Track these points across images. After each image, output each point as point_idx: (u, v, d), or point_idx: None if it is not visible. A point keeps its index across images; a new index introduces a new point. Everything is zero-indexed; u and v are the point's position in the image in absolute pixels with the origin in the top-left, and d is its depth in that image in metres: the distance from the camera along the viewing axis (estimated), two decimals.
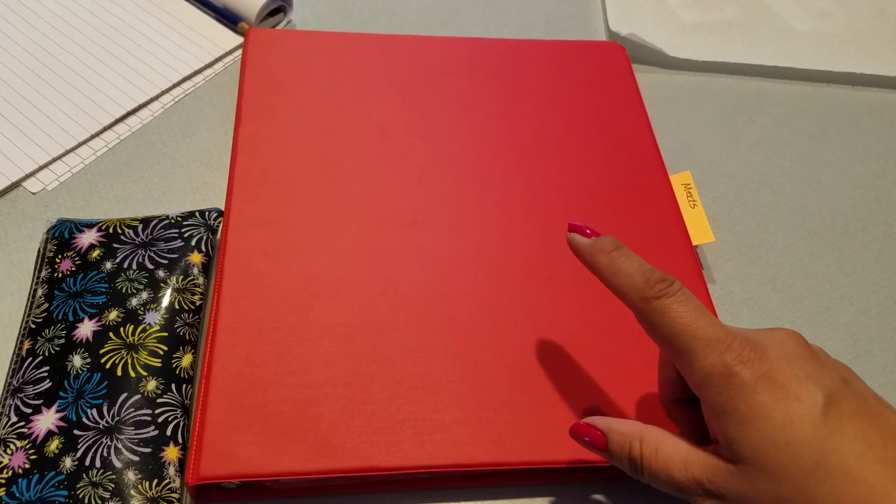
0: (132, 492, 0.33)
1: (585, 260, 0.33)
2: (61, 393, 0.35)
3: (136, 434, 0.34)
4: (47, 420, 0.34)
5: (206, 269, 0.41)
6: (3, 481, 0.33)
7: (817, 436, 0.26)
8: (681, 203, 0.47)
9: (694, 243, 0.45)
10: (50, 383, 0.35)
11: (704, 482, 0.28)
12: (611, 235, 0.33)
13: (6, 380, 0.36)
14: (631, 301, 0.31)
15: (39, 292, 0.39)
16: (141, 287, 0.38)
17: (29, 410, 0.35)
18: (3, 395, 0.36)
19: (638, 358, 0.39)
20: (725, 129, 0.55)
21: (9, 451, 0.34)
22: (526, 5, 0.62)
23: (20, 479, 0.33)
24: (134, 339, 0.37)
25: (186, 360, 0.37)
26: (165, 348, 0.37)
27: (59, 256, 0.40)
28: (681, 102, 0.57)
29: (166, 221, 0.41)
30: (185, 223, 0.41)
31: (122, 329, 0.37)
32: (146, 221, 0.41)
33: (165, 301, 0.38)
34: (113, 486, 0.33)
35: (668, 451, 0.30)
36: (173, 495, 0.34)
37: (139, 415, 0.35)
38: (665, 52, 0.58)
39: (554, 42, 0.55)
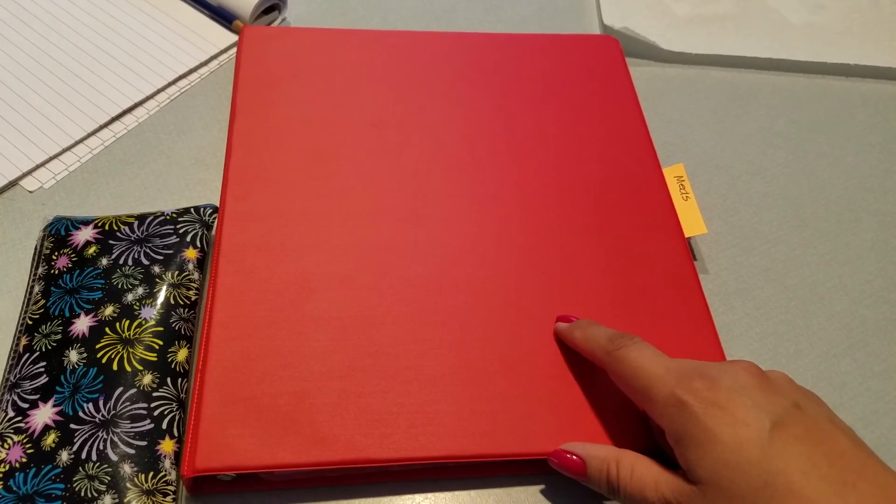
0: (128, 484, 0.33)
1: (566, 338, 0.39)
2: (58, 388, 0.35)
3: (131, 427, 0.34)
4: (44, 414, 0.35)
5: (201, 264, 0.41)
6: (1, 475, 0.33)
7: (765, 457, 0.29)
8: (673, 195, 0.47)
9: (686, 235, 0.45)
10: (46, 378, 0.36)
11: (673, 501, 0.31)
12: (586, 319, 0.39)
13: (3, 375, 0.37)
14: (599, 358, 0.36)
15: (36, 289, 0.39)
16: (136, 283, 0.39)
17: (26, 405, 0.35)
18: (0, 390, 0.36)
19: None
20: (719, 121, 0.55)
21: (6, 446, 0.34)
22: (520, 0, 0.62)
23: (17, 473, 0.33)
24: (130, 334, 0.37)
25: (182, 354, 0.38)
26: (161, 343, 0.37)
27: (56, 253, 0.40)
28: (674, 95, 0.57)
29: (161, 218, 0.42)
30: (180, 219, 0.42)
31: (117, 324, 0.37)
32: (142, 218, 0.41)
33: (161, 296, 0.38)
34: (109, 478, 0.33)
35: (641, 472, 0.32)
36: (169, 488, 0.34)
37: (135, 408, 0.35)
38: (659, 45, 0.58)
39: (548, 36, 0.55)
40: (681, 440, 0.31)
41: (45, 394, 0.35)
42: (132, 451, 0.34)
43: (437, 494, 0.37)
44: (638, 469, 0.32)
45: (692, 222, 0.45)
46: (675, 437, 0.31)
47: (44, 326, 0.37)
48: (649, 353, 0.34)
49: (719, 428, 0.30)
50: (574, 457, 0.35)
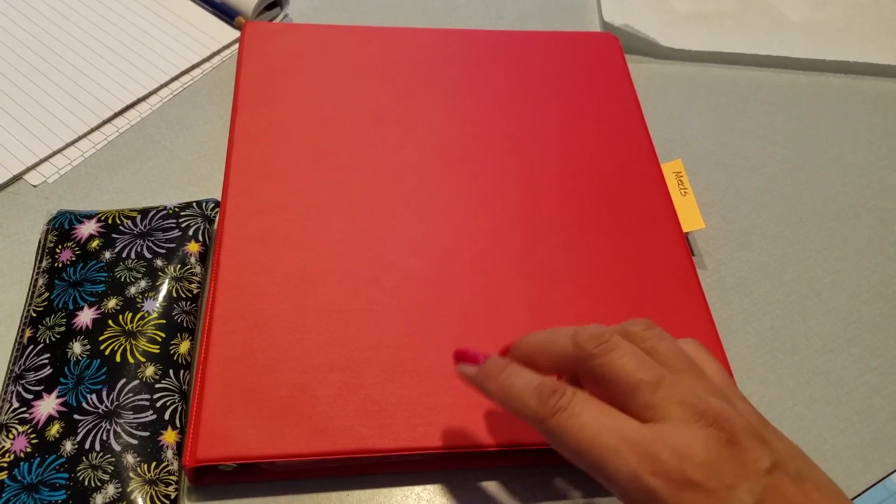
0: (131, 474, 0.34)
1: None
2: (62, 379, 0.36)
3: (134, 418, 0.35)
4: (48, 405, 0.35)
5: (203, 258, 0.41)
6: (6, 465, 0.34)
7: None
8: (672, 191, 0.47)
9: (684, 230, 0.45)
10: (50, 370, 0.36)
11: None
12: (496, 356, 0.31)
13: (8, 367, 0.37)
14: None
15: (40, 282, 0.40)
16: (139, 276, 0.39)
17: (30, 396, 0.35)
18: (5, 381, 0.37)
19: None
20: (718, 117, 0.56)
21: (11, 436, 0.34)
22: None
23: (22, 463, 0.34)
24: (132, 327, 0.37)
25: (184, 346, 0.38)
26: (163, 335, 0.38)
27: (60, 247, 0.40)
28: (674, 92, 0.57)
29: (164, 212, 0.42)
30: (182, 213, 0.42)
31: (120, 317, 0.38)
32: (144, 212, 0.42)
33: (163, 289, 0.39)
34: (112, 468, 0.33)
35: (591, 416, 0.27)
36: (171, 477, 0.34)
37: (138, 399, 0.35)
38: (659, 42, 0.58)
39: (548, 33, 0.56)
40: None
41: (49, 385, 0.36)
42: (135, 442, 0.34)
43: (437, 486, 0.37)
44: (588, 412, 0.27)
45: (690, 217, 0.46)
46: None
47: (48, 319, 0.38)
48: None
49: None
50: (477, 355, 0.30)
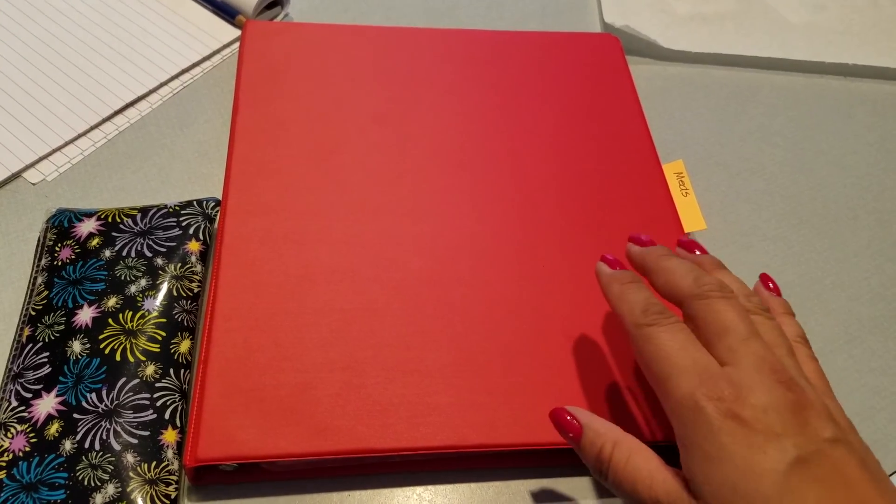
0: (131, 474, 0.33)
1: (603, 285, 0.35)
2: (61, 378, 0.36)
3: (134, 417, 0.35)
4: (47, 404, 0.35)
5: (203, 256, 0.41)
6: (4, 464, 0.33)
7: (776, 494, 0.26)
8: (673, 192, 0.47)
9: (686, 231, 0.45)
10: (50, 368, 0.36)
11: None
12: (632, 271, 0.35)
13: (7, 365, 0.37)
14: (627, 326, 0.32)
15: (39, 280, 0.39)
16: (139, 274, 0.39)
17: (29, 395, 0.35)
18: (3, 380, 0.37)
19: (629, 343, 0.40)
20: (718, 119, 0.56)
21: (9, 435, 0.34)
22: None
23: (21, 462, 0.33)
24: (132, 325, 0.37)
25: (184, 345, 0.38)
26: (164, 334, 0.37)
27: (59, 245, 0.40)
28: (674, 93, 0.57)
29: (164, 210, 0.42)
30: (183, 212, 0.42)
31: (120, 315, 0.37)
32: (145, 210, 0.42)
33: (164, 288, 0.39)
34: (112, 468, 0.33)
35: (637, 463, 0.30)
36: (171, 477, 0.34)
37: (138, 399, 0.35)
38: (659, 43, 0.58)
39: (548, 34, 0.56)
40: (689, 448, 0.28)
41: (48, 384, 0.35)
42: (135, 441, 0.34)
43: (438, 486, 0.37)
44: (635, 459, 0.30)
45: (691, 218, 0.46)
46: (684, 442, 0.28)
47: (47, 317, 0.38)
48: (682, 338, 0.30)
49: (734, 447, 0.27)
50: (574, 420, 0.32)
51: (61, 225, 0.41)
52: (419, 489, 0.37)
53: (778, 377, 0.28)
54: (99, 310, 0.37)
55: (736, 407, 0.27)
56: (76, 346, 0.36)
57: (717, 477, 0.27)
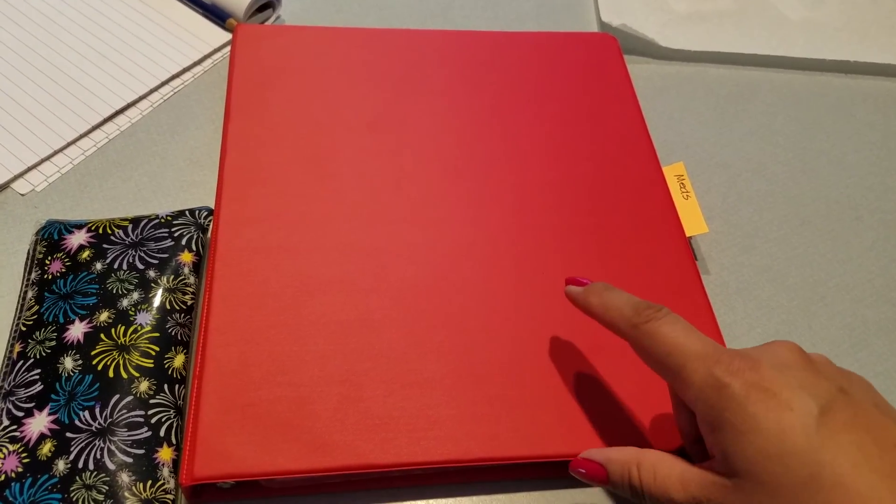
0: (126, 493, 0.33)
1: (580, 304, 0.35)
2: (53, 395, 0.35)
3: (129, 435, 0.34)
4: (39, 423, 0.34)
5: (196, 268, 0.40)
6: None
7: (810, 446, 0.26)
8: (674, 194, 0.46)
9: (688, 234, 0.44)
10: (41, 386, 0.35)
11: (703, 499, 0.28)
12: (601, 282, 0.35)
13: None
14: (623, 330, 0.32)
15: (29, 294, 0.38)
16: (132, 287, 0.38)
17: (21, 414, 0.34)
18: None
19: (631, 351, 0.39)
20: (718, 119, 0.55)
21: (1, 455, 0.33)
22: None
23: (13, 483, 0.32)
24: (125, 340, 0.36)
25: (179, 360, 0.37)
26: (157, 349, 0.37)
27: (49, 258, 0.39)
28: (673, 93, 0.56)
29: (156, 221, 0.41)
30: (175, 222, 0.41)
31: (113, 330, 0.37)
32: (136, 221, 0.41)
33: (156, 301, 0.38)
34: (107, 488, 0.32)
35: (665, 472, 0.30)
36: (168, 496, 0.33)
37: (132, 416, 0.34)
38: (657, 42, 0.57)
39: (545, 34, 0.55)
40: (718, 427, 0.28)
41: (40, 402, 0.35)
42: (130, 460, 0.33)
43: (440, 500, 0.36)
44: (661, 469, 0.30)
45: (693, 221, 0.45)
46: (712, 423, 0.28)
47: (38, 333, 0.37)
48: (681, 326, 0.30)
49: (762, 414, 0.27)
50: (594, 464, 0.33)
51: (51, 237, 0.40)
52: (420, 503, 0.36)
53: (782, 345, 0.30)
54: (91, 325, 0.37)
55: (754, 376, 0.28)
56: (68, 363, 0.36)
57: (751, 448, 0.27)
